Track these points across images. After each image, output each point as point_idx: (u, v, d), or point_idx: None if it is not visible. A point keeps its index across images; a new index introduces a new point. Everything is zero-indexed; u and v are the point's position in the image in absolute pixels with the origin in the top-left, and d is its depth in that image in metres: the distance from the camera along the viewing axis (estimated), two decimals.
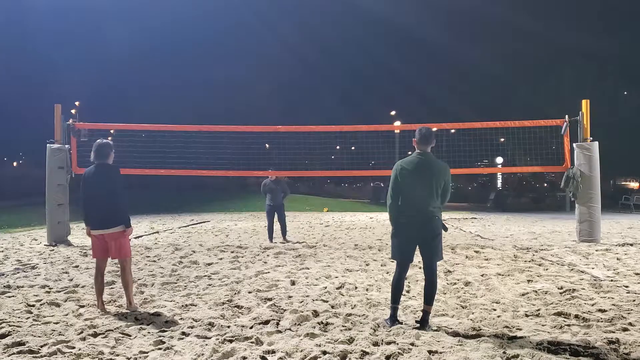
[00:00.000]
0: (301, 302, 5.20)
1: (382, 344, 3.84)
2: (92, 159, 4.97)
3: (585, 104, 10.43)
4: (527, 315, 4.67)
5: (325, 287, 5.91)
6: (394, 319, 4.35)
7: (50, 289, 5.88)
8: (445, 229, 4.36)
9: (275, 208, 10.64)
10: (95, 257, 5.06)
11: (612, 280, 6.24)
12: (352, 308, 4.95)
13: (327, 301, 5.25)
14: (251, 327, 4.30)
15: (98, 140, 5.01)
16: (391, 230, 4.41)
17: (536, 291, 5.63)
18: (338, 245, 10.25)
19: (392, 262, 7.52)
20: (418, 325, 4.25)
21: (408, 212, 4.25)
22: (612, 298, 5.28)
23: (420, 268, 7.14)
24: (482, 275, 6.57)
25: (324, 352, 3.61)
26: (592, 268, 7.20)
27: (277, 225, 10.83)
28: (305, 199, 30.82)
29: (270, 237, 10.65)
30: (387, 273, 6.79)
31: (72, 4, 48.98)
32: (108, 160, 4.99)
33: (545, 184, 44.07)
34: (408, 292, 5.75)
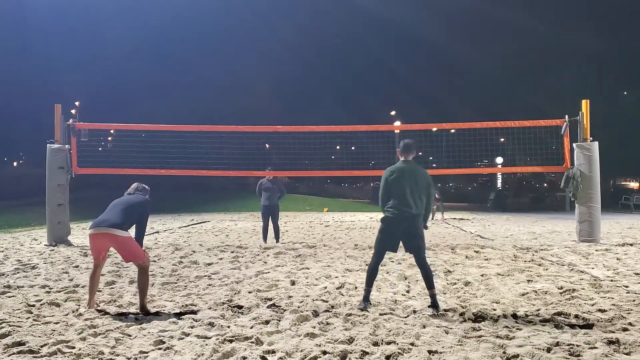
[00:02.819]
0: (301, 302, 5.20)
1: (382, 344, 3.84)
2: (130, 191, 5.33)
3: (585, 104, 10.43)
4: (527, 315, 4.67)
5: (325, 287, 5.91)
6: (366, 300, 4.95)
7: (50, 289, 5.88)
8: (426, 228, 5.05)
9: (270, 209, 10.51)
10: (93, 257, 5.06)
11: (612, 280, 6.24)
12: (352, 308, 4.95)
13: (327, 301, 5.25)
14: (251, 327, 4.30)
15: (143, 185, 5.45)
16: (380, 225, 5.06)
17: (536, 291, 5.63)
18: (338, 245, 10.25)
19: (392, 262, 7.55)
20: (432, 307, 4.79)
21: (395, 210, 4.89)
22: (612, 298, 5.28)
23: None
24: (482, 275, 6.57)
25: (324, 352, 3.61)
26: (592, 268, 7.20)
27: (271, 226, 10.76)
28: (305, 199, 30.84)
29: (265, 238, 10.60)
30: (387, 273, 6.79)
31: (72, 4, 48.94)
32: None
33: (545, 184, 44.05)
34: (408, 292, 5.76)
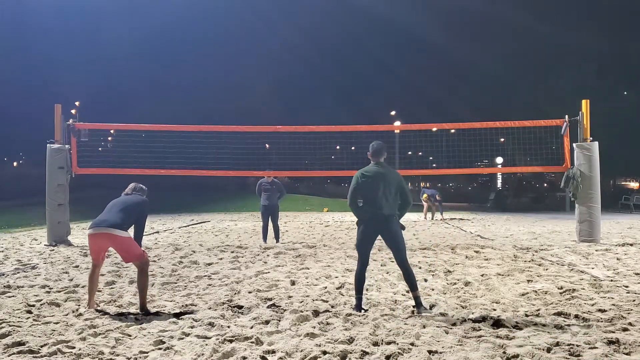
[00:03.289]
0: (301, 302, 5.20)
1: (382, 344, 3.84)
2: (128, 191, 5.34)
3: (585, 104, 10.42)
4: (527, 315, 4.67)
5: (325, 287, 5.91)
6: (359, 308, 4.88)
7: (50, 289, 5.88)
8: (403, 228, 5.02)
9: (270, 210, 10.50)
10: (92, 257, 5.07)
11: (612, 280, 6.24)
12: (352, 308, 4.95)
13: (327, 301, 5.25)
14: (251, 327, 4.30)
15: (141, 185, 5.46)
16: (357, 229, 5.08)
17: (536, 291, 5.63)
18: (338, 245, 10.25)
19: (392, 261, 7.54)
20: (415, 309, 4.81)
21: (368, 212, 4.91)
22: (612, 298, 5.28)
23: (420, 268, 7.17)
24: (482, 275, 6.57)
25: (324, 352, 3.61)
26: (592, 268, 7.20)
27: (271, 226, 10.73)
28: (305, 199, 30.82)
29: (265, 238, 10.59)
30: (387, 273, 6.80)
31: (72, 4, 48.97)
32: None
33: (545, 184, 44.07)
34: (408, 292, 5.73)
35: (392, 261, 7.58)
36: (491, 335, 4.01)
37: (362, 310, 4.85)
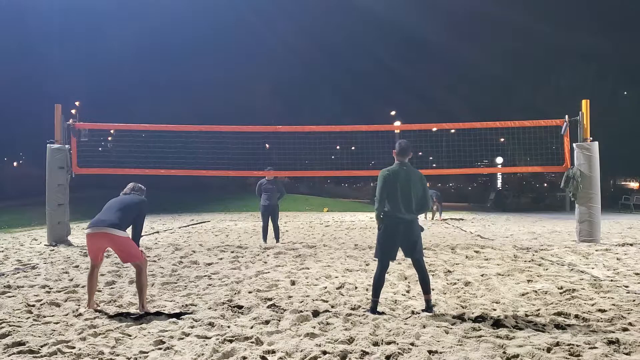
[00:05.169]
0: (301, 302, 5.20)
1: (382, 344, 3.84)
2: (126, 191, 5.34)
3: (585, 104, 10.43)
4: (527, 315, 4.67)
5: (325, 287, 5.91)
6: (374, 311, 4.78)
7: (50, 289, 5.88)
8: (422, 229, 4.94)
9: (270, 210, 10.48)
10: (91, 258, 5.06)
11: (612, 280, 6.24)
12: (352, 308, 4.95)
13: (327, 301, 5.25)
14: (251, 327, 4.30)
15: (139, 184, 5.43)
16: (378, 231, 4.88)
17: (536, 291, 5.63)
18: (338, 245, 10.25)
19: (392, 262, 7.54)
20: (426, 312, 4.76)
21: (393, 215, 4.76)
22: (612, 298, 5.28)
23: None
24: (482, 275, 6.57)
25: (324, 352, 3.61)
26: (592, 268, 7.20)
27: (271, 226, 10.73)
28: (305, 199, 30.81)
29: (265, 238, 10.59)
30: (387, 273, 6.77)
31: (72, 4, 48.97)
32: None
33: (545, 184, 44.05)
34: (408, 292, 5.76)
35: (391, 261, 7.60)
36: (491, 335, 4.01)
37: (378, 314, 4.75)
